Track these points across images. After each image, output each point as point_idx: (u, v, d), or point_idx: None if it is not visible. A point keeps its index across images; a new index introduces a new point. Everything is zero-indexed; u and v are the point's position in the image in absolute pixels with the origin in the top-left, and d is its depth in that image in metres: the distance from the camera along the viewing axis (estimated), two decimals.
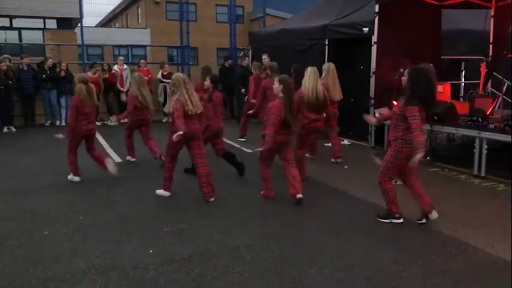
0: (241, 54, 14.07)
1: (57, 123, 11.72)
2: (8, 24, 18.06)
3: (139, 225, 4.65)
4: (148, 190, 5.79)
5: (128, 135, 7.59)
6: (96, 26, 28.68)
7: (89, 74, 10.98)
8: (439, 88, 7.13)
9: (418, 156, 4.27)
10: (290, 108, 5.23)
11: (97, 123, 7.40)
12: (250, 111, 8.58)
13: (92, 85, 6.39)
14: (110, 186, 6.10)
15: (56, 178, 6.44)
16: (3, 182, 6.33)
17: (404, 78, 6.31)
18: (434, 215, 4.60)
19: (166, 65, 12.91)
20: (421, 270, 3.69)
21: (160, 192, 5.63)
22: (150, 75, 12.00)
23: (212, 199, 5.43)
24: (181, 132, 5.02)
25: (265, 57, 9.62)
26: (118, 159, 7.76)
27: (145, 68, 12.20)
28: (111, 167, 6.28)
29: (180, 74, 5.88)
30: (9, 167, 7.30)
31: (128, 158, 7.66)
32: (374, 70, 8.39)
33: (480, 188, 6.15)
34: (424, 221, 4.66)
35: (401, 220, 4.72)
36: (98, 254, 3.93)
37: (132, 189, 6.02)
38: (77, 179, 6.31)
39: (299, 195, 5.26)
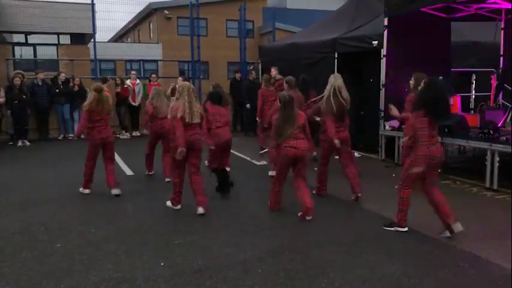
0: (250, 68, 14.20)
1: (70, 137, 11.90)
2: (23, 41, 18.43)
3: (150, 238, 4.68)
4: (158, 202, 5.84)
5: (149, 148, 7.39)
6: (108, 41, 29.10)
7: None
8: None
9: (415, 169, 4.46)
10: (288, 123, 5.22)
11: None
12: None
13: (106, 94, 6.37)
14: (122, 198, 6.15)
15: (68, 191, 6.51)
16: (17, 194, 6.43)
17: (411, 82, 6.42)
18: (458, 227, 4.50)
19: (179, 78, 13.02)
20: (433, 284, 3.66)
21: (170, 204, 5.66)
22: None
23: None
24: (183, 149, 5.14)
25: (273, 70, 9.52)
26: (129, 172, 7.84)
27: (156, 82, 12.34)
28: (114, 191, 6.23)
29: (185, 83, 5.93)
30: (23, 179, 7.41)
31: (146, 172, 7.55)
32: (384, 83, 8.41)
33: (492, 201, 6.09)
34: (448, 234, 4.58)
35: (406, 229, 4.75)
36: (110, 267, 3.96)
37: (143, 201, 6.07)
38: (87, 191, 6.37)
39: (308, 218, 5.21)
